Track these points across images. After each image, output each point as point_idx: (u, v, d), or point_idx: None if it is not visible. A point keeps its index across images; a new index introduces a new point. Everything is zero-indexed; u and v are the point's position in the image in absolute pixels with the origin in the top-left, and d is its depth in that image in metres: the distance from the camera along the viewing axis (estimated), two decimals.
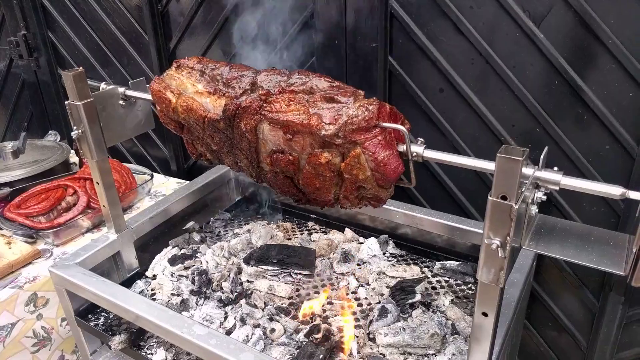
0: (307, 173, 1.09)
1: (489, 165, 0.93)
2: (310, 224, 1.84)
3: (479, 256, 0.89)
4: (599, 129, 1.51)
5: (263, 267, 1.47)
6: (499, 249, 0.84)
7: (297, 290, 1.46)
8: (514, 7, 1.49)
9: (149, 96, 1.46)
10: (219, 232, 1.81)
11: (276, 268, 1.47)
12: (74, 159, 2.50)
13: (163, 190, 2.27)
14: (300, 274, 1.45)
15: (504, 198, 0.82)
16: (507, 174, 0.80)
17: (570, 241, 0.95)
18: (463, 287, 1.49)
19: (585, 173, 1.56)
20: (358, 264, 1.58)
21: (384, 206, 1.60)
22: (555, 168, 0.90)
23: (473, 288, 1.49)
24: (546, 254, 0.92)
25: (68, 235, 1.90)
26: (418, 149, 1.03)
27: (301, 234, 1.75)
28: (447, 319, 1.34)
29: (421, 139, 1.05)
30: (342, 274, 1.52)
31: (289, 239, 1.73)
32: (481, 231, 1.53)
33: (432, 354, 1.25)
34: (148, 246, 1.68)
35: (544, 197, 0.93)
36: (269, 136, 1.11)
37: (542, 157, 0.95)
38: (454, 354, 1.23)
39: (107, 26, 2.43)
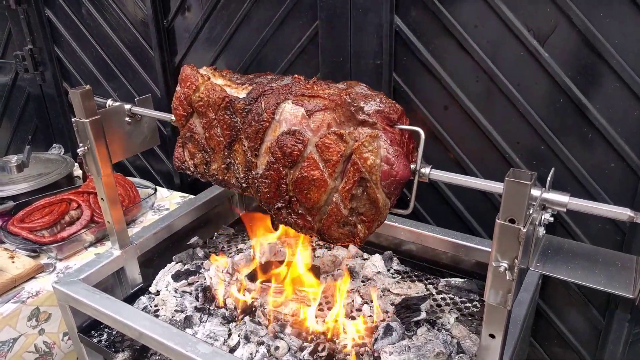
0: (309, 160, 1.08)
1: (496, 186, 0.93)
2: (313, 239, 1.83)
3: (487, 278, 0.89)
4: (604, 147, 1.51)
5: (267, 284, 1.46)
6: (506, 271, 0.84)
7: (301, 307, 1.45)
8: (518, 26, 1.50)
9: (155, 113, 1.47)
10: (223, 247, 1.81)
11: (280, 285, 1.46)
12: (77, 172, 2.50)
13: (166, 204, 2.27)
14: (304, 291, 1.45)
15: (512, 221, 0.82)
16: (515, 198, 0.80)
17: (578, 262, 0.95)
18: (468, 304, 1.49)
19: (591, 191, 1.56)
20: (362, 281, 1.57)
21: (387, 222, 1.62)
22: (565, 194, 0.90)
23: (478, 305, 1.48)
24: (554, 275, 0.92)
25: (71, 250, 1.90)
26: (424, 169, 1.04)
27: (302, 249, 1.74)
28: (452, 337, 1.33)
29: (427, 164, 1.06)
30: (346, 291, 1.51)
31: (293, 255, 1.72)
32: (486, 249, 1.54)
33: None
34: (151, 261, 1.68)
35: (551, 219, 0.93)
36: (286, 115, 1.11)
37: (549, 178, 0.95)
38: None
39: (113, 41, 2.45)
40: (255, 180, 1.19)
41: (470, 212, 1.79)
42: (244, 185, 1.23)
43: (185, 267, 1.64)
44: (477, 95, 1.65)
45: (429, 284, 1.57)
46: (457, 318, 1.42)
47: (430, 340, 1.30)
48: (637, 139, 1.46)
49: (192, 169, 1.36)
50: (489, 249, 1.49)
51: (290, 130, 1.10)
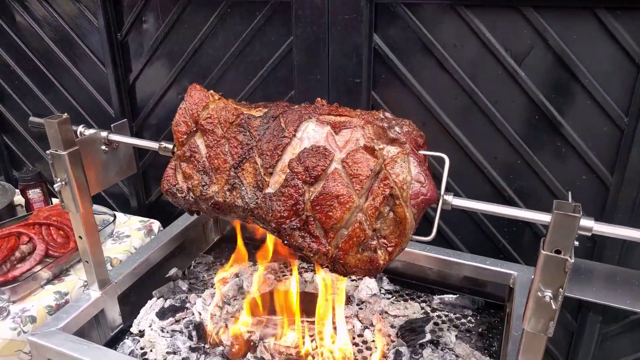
0: (334, 175, 1.04)
1: (540, 217, 0.92)
2: (297, 261, 1.79)
3: (526, 307, 0.90)
4: (576, 160, 1.60)
5: (266, 316, 1.40)
6: (552, 300, 0.86)
7: (303, 337, 1.40)
8: (497, 47, 1.55)
9: (138, 141, 1.36)
10: (203, 277, 1.71)
11: (279, 317, 1.40)
12: (18, 199, 2.27)
13: (126, 230, 2.11)
14: (305, 320, 1.40)
15: (558, 252, 0.83)
16: (563, 230, 0.82)
17: (599, 283, 0.99)
18: (463, 320, 1.52)
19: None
20: (357, 304, 1.55)
21: None
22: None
23: (473, 321, 1.51)
24: (584, 298, 0.95)
25: (26, 290, 1.71)
26: (448, 196, 1.04)
27: (292, 275, 1.69)
28: (457, 357, 1.35)
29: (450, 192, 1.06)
30: (345, 316, 1.49)
31: (280, 281, 1.67)
32: (475, 264, 1.57)
33: None
34: (129, 298, 1.55)
35: (577, 243, 0.96)
36: (310, 132, 1.09)
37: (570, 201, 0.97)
38: None
39: (56, 55, 2.25)
40: (267, 199, 1.12)
41: (446, 223, 1.83)
42: (251, 205, 1.14)
43: (168, 302, 1.54)
44: (455, 112, 1.69)
45: (422, 302, 1.59)
46: (456, 336, 1.43)
47: None
48: (606, 153, 1.56)
49: (184, 192, 1.25)
50: (480, 265, 1.55)
51: (314, 146, 1.06)
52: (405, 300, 1.58)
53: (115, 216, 2.08)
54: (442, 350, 1.37)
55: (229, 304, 1.53)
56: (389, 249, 1.05)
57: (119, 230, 2.11)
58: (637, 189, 1.53)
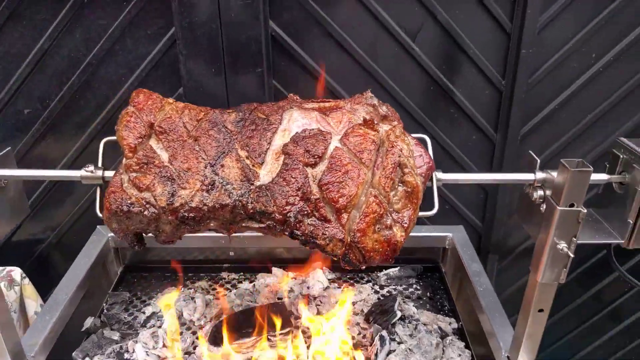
0: (337, 152, 0.99)
1: (525, 177, 1.01)
2: (224, 275, 1.63)
3: (540, 261, 0.98)
4: (467, 123, 1.77)
5: (238, 342, 1.25)
6: (568, 250, 0.94)
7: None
8: (392, 24, 1.61)
9: (30, 172, 1.07)
10: (125, 318, 1.44)
11: (254, 338, 1.27)
12: None
13: None
14: (281, 334, 1.29)
15: (571, 206, 0.92)
16: (578, 185, 0.90)
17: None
18: (411, 290, 1.58)
19: (460, 161, 1.82)
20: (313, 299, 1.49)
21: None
22: None
23: (418, 287, 1.59)
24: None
25: None
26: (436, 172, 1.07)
27: (230, 291, 1.54)
28: (424, 325, 1.40)
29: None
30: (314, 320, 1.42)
31: (217, 299, 1.50)
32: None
33: None
34: None
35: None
36: (297, 119, 1.04)
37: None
38: (459, 355, 1.30)
39: None
40: (264, 190, 0.99)
41: None
42: (243, 201, 0.99)
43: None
44: (358, 92, 1.70)
45: (368, 282, 1.60)
46: (414, 306, 1.49)
47: (415, 336, 1.34)
48: (490, 114, 1.76)
49: (142, 207, 1.00)
50: (416, 233, 1.62)
51: (307, 129, 1.02)
52: (352, 285, 1.58)
53: None
54: (410, 323, 1.41)
55: (178, 341, 1.32)
56: (404, 224, 1.03)
57: None
58: (517, 143, 1.77)
